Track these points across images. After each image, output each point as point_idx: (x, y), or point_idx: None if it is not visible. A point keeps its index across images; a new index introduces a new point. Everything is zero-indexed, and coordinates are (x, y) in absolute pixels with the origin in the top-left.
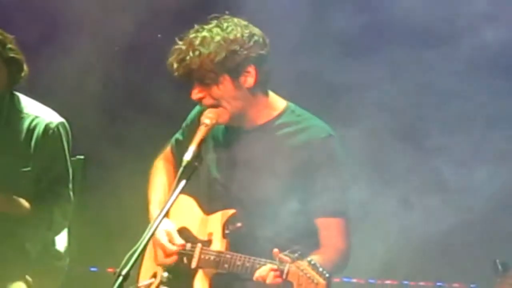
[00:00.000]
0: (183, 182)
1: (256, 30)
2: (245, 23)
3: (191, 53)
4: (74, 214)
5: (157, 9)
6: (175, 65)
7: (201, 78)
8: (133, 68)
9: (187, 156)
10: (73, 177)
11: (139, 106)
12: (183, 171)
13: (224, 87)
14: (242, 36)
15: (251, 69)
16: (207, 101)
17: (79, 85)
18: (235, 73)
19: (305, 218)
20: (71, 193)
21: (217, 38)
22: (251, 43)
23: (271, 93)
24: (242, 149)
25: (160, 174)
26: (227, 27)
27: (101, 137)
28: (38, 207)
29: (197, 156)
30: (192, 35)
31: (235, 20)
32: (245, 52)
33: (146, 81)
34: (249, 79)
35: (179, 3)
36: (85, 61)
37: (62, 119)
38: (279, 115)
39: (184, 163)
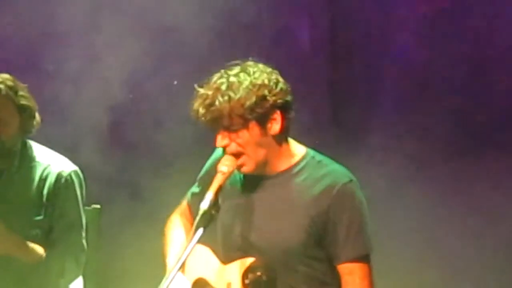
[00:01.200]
0: (200, 231)
1: (280, 77)
2: (269, 69)
3: (220, 98)
4: (89, 263)
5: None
6: (201, 111)
7: (229, 124)
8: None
9: (204, 204)
10: (87, 227)
11: (158, 156)
12: (200, 220)
13: (251, 134)
14: (269, 81)
15: (277, 115)
16: (232, 148)
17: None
18: (263, 119)
19: (327, 264)
20: (84, 241)
21: (246, 83)
22: (278, 89)
23: (290, 140)
24: (261, 196)
25: (176, 228)
26: (254, 72)
27: (118, 186)
28: (50, 254)
29: (214, 204)
30: (218, 81)
31: (260, 66)
32: (273, 98)
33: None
34: (275, 126)
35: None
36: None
37: (75, 167)
38: (299, 162)
39: (201, 212)
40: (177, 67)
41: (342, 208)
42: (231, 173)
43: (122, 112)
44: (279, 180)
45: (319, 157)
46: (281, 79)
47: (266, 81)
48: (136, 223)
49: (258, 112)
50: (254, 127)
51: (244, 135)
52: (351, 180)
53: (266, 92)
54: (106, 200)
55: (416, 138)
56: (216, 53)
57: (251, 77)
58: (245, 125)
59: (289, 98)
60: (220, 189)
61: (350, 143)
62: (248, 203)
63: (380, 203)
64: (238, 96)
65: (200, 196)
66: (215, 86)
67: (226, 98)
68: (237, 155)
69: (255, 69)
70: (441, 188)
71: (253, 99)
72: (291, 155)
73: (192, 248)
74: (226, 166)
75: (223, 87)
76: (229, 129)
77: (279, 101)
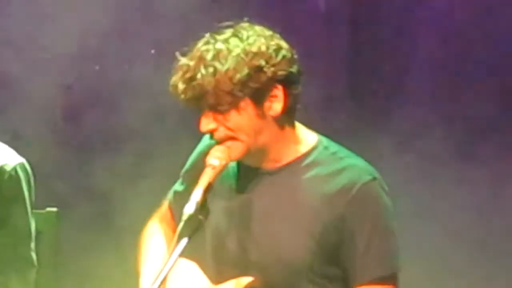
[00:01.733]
0: (184, 241)
1: (283, 43)
2: (270, 32)
3: (203, 71)
4: (41, 281)
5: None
6: (181, 87)
7: (215, 103)
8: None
9: (189, 207)
10: (40, 235)
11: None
12: (184, 227)
13: (244, 116)
14: (268, 48)
15: (279, 91)
16: (221, 133)
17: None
18: (259, 96)
19: (342, 285)
20: (33, 254)
21: (236, 51)
22: (279, 58)
23: (298, 124)
24: (260, 195)
25: (154, 237)
26: (248, 37)
27: (76, 185)
28: None
29: (202, 207)
30: (202, 48)
31: (257, 28)
32: (272, 69)
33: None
34: (276, 105)
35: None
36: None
37: (21, 159)
38: (309, 153)
39: (185, 217)
40: (153, 32)
41: (362, 214)
42: (224, 167)
43: (80, 91)
44: (283, 176)
45: (333, 147)
46: (284, 45)
47: (263, 48)
48: (99, 230)
49: (251, 87)
50: (247, 106)
51: (234, 117)
52: (374, 178)
53: (262, 62)
54: (62, 202)
55: (448, 122)
56: (205, 13)
57: (244, 43)
58: (235, 104)
59: (294, 69)
60: (209, 187)
61: (370, 127)
62: (244, 205)
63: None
64: (225, 67)
65: (184, 196)
66: (198, 54)
67: (210, 70)
68: (228, 140)
69: (250, 32)
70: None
71: (245, 71)
72: (298, 143)
73: (174, 263)
74: (217, 158)
75: (208, 56)
76: (216, 109)
77: (280, 73)
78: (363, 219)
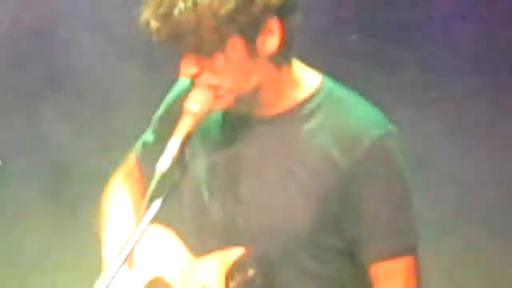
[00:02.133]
0: (156, 204)
1: None
2: None
3: (180, 5)
4: None
5: None
6: (154, 25)
7: (197, 43)
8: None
9: (163, 163)
10: None
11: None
12: (157, 187)
13: (233, 56)
14: None
15: (274, 24)
16: (206, 80)
17: None
18: (250, 31)
19: (349, 259)
20: None
21: None
22: None
23: (296, 62)
24: (250, 149)
25: (118, 200)
26: None
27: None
28: None
29: (179, 162)
30: None
31: None
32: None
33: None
34: (271, 41)
35: None
36: None
37: None
38: (310, 98)
39: (157, 175)
40: None
41: (371, 175)
42: (206, 114)
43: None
44: (278, 125)
45: (340, 91)
46: None
47: None
48: (44, 188)
49: (240, 21)
50: (236, 45)
51: (221, 58)
52: (387, 133)
53: None
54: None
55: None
56: None
57: None
58: (221, 43)
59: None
60: (188, 138)
61: (382, 70)
62: (230, 161)
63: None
64: (207, 0)
65: (156, 149)
66: None
67: (189, 3)
68: (213, 88)
69: None
70: None
71: (231, 2)
72: (297, 86)
73: (144, 230)
74: (198, 103)
75: None
76: (198, 51)
77: (273, 1)
78: (373, 182)
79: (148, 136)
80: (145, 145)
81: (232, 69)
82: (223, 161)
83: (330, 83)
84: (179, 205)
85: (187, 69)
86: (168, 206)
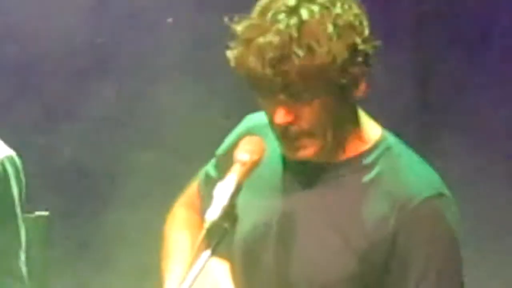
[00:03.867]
0: (205, 255)
1: (360, 10)
2: None
3: (298, 51)
4: None
5: None
6: (265, 71)
7: (301, 90)
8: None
9: (212, 213)
10: (30, 243)
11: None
12: (206, 236)
13: (329, 106)
14: (356, 19)
15: (367, 73)
16: (297, 128)
17: None
18: (352, 83)
19: None
20: (23, 267)
21: (328, 25)
22: (367, 29)
23: (361, 113)
24: (310, 195)
25: (180, 229)
26: (329, 3)
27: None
28: None
29: (229, 213)
30: (279, 17)
31: None
32: (364, 46)
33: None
34: (360, 87)
35: None
36: None
37: (11, 152)
38: (371, 150)
39: (206, 225)
40: None
41: (418, 236)
42: (256, 163)
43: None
44: (339, 173)
45: (399, 147)
46: (364, 15)
47: (352, 19)
48: (104, 232)
49: (350, 72)
50: (334, 92)
51: (319, 108)
52: (440, 194)
53: (357, 39)
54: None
55: None
56: None
57: (330, 12)
58: (323, 91)
59: (377, 45)
60: (238, 188)
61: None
62: (288, 206)
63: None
64: (324, 48)
65: (217, 183)
66: (278, 27)
67: (306, 51)
68: (304, 138)
69: None
70: None
71: (345, 53)
72: (361, 135)
73: (193, 281)
74: (248, 152)
75: (294, 30)
76: (298, 98)
77: (371, 51)
78: (419, 244)
79: (211, 169)
80: (207, 177)
81: (327, 117)
82: (279, 205)
83: (390, 138)
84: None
85: (284, 116)
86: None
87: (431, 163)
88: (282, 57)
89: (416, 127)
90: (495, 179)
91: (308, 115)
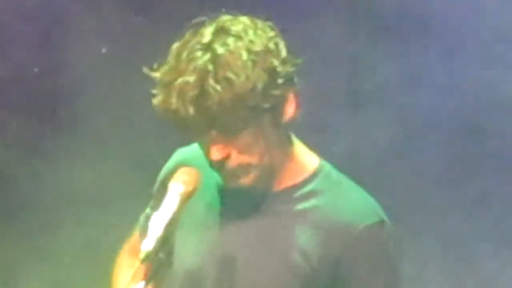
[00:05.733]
0: (140, 285)
1: (274, 31)
2: (260, 23)
3: (215, 86)
4: None
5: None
6: (188, 111)
7: (229, 123)
8: None
9: (147, 244)
10: None
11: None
12: (141, 267)
13: (262, 131)
14: (271, 42)
15: (292, 94)
16: (235, 161)
17: None
18: (278, 106)
19: None
20: None
21: (242, 53)
22: (284, 51)
23: (295, 140)
24: (246, 224)
25: (123, 277)
26: (244, 32)
27: None
28: None
29: (164, 244)
30: (195, 55)
31: (243, 19)
32: (285, 68)
33: None
34: (290, 109)
35: None
36: None
37: None
38: (309, 179)
39: (142, 255)
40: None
41: (361, 262)
42: (192, 193)
43: None
44: (276, 202)
45: (336, 175)
46: (277, 33)
47: (268, 44)
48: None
49: (273, 95)
50: (265, 119)
51: (251, 137)
52: (381, 221)
53: (275, 61)
54: None
55: None
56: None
57: (244, 41)
58: (254, 121)
59: (298, 61)
60: (174, 218)
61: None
62: (229, 236)
63: None
64: (242, 77)
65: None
66: (194, 65)
67: (225, 83)
68: (242, 169)
69: (240, 26)
70: None
71: (264, 76)
72: (298, 164)
73: None
74: (183, 183)
75: (211, 65)
76: (227, 132)
77: (292, 70)
78: (362, 269)
79: (149, 210)
80: (147, 220)
81: (260, 144)
82: (218, 239)
83: (327, 166)
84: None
85: (218, 152)
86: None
87: None
88: (202, 94)
89: None
90: None
91: (242, 147)
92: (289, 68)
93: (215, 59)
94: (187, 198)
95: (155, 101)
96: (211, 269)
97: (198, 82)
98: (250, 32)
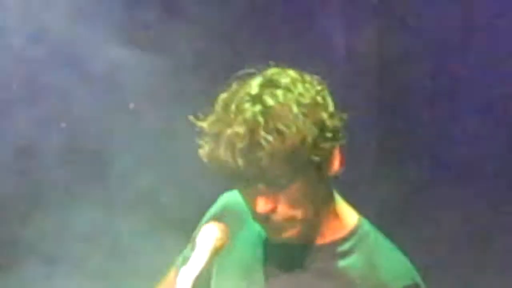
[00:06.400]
0: None
1: (321, 86)
2: (307, 76)
3: (267, 136)
4: None
5: None
6: (232, 161)
7: (277, 176)
8: None
9: None
10: None
11: None
12: None
13: (308, 185)
14: (319, 95)
15: (337, 149)
16: (280, 214)
17: None
18: (325, 160)
19: None
20: None
21: (292, 105)
22: (331, 104)
23: (337, 197)
24: (286, 276)
25: None
26: (293, 85)
27: None
28: None
29: None
30: (244, 107)
31: (290, 72)
32: (332, 122)
33: None
34: (335, 163)
35: None
36: None
37: None
38: (348, 236)
39: None
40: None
41: None
42: (220, 249)
43: None
44: (319, 258)
45: (375, 235)
46: (327, 91)
47: (317, 97)
48: None
49: (322, 149)
50: (311, 173)
51: (298, 191)
52: (416, 285)
53: (324, 115)
54: None
55: None
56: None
57: (294, 94)
58: (302, 174)
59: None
60: (203, 274)
61: None
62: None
63: None
64: (293, 129)
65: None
66: (243, 117)
67: (276, 135)
68: (288, 223)
69: (288, 79)
70: None
71: (314, 129)
72: (340, 220)
73: None
74: (212, 239)
75: (260, 117)
76: (275, 185)
77: (339, 124)
78: None
79: (189, 252)
80: (185, 260)
81: (307, 198)
82: (259, 286)
83: (367, 224)
84: None
85: (263, 206)
86: None
87: None
88: (252, 145)
89: None
90: None
91: (288, 200)
92: (337, 122)
93: (265, 110)
94: (215, 253)
95: (202, 151)
96: None
97: (248, 133)
98: (299, 85)
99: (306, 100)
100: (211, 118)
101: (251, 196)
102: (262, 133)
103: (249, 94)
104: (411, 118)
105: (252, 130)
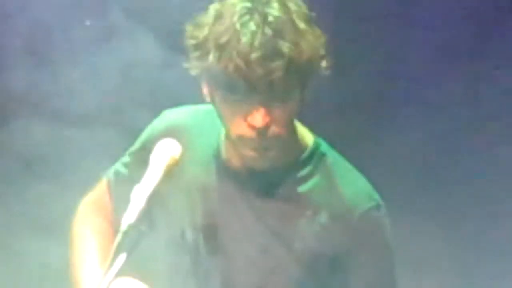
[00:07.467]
0: (121, 258)
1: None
2: None
3: (283, 46)
4: None
5: None
6: (249, 70)
7: (282, 90)
8: None
9: (129, 216)
10: None
11: None
12: (122, 240)
13: (297, 104)
14: (307, 9)
15: None
16: (273, 131)
17: None
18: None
19: None
20: None
21: (297, 21)
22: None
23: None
24: (247, 205)
25: (89, 231)
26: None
27: None
28: None
29: (145, 215)
30: (246, 18)
31: None
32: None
33: None
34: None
35: None
36: None
37: None
38: (306, 160)
39: (124, 227)
40: None
41: (362, 244)
42: (174, 167)
43: None
44: (283, 181)
45: (332, 155)
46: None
47: (307, 11)
48: None
49: (322, 66)
50: (305, 92)
51: (292, 108)
52: (378, 205)
53: (318, 31)
54: None
55: None
56: None
57: (290, 8)
58: (299, 93)
59: None
60: (157, 191)
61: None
62: (230, 211)
63: None
64: (306, 42)
65: (128, 183)
66: (251, 27)
67: (292, 46)
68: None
69: None
70: None
71: (321, 45)
72: (297, 141)
73: (110, 284)
74: (167, 156)
75: (272, 28)
76: (278, 99)
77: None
78: (362, 251)
79: (122, 167)
80: (117, 174)
81: (291, 117)
82: (220, 212)
83: (323, 144)
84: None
85: (262, 119)
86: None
87: None
88: (269, 55)
89: None
90: None
91: (280, 117)
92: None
93: (274, 21)
94: (170, 171)
95: (199, 62)
96: (213, 243)
97: (264, 43)
98: (290, 4)
99: (306, 16)
100: (213, 28)
101: (243, 111)
102: (280, 43)
103: (245, 7)
104: None
105: (268, 40)
